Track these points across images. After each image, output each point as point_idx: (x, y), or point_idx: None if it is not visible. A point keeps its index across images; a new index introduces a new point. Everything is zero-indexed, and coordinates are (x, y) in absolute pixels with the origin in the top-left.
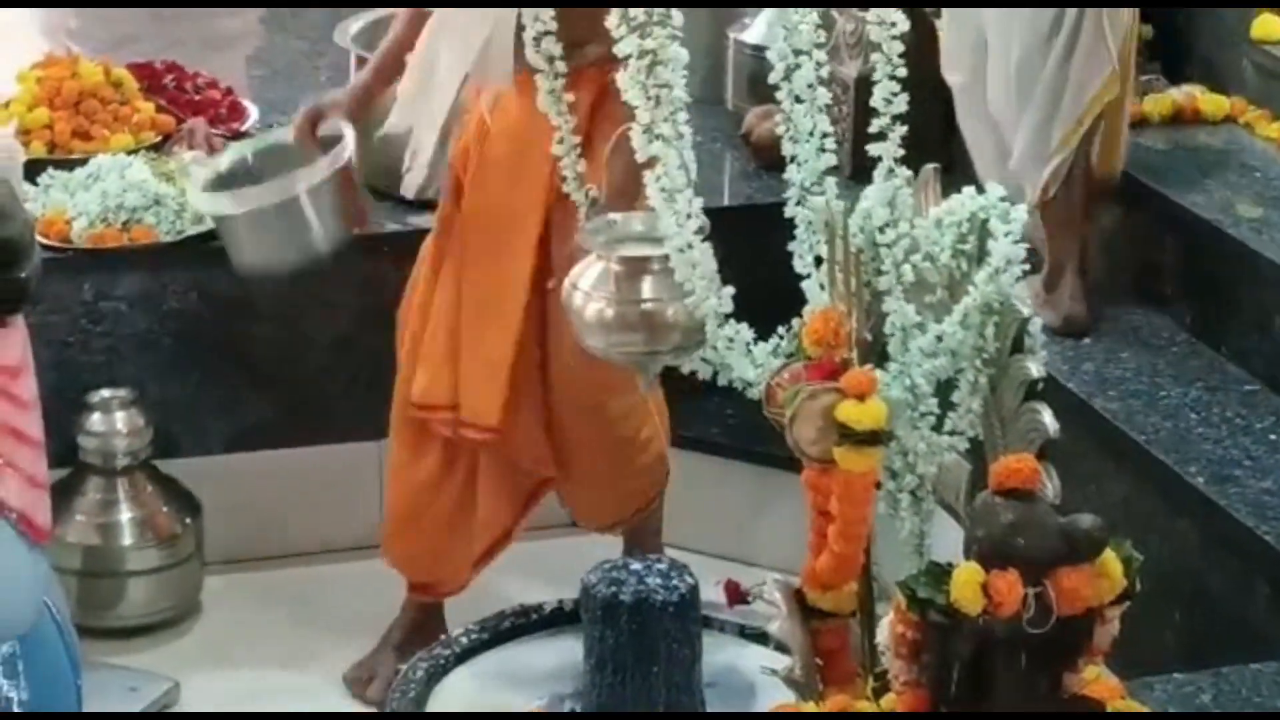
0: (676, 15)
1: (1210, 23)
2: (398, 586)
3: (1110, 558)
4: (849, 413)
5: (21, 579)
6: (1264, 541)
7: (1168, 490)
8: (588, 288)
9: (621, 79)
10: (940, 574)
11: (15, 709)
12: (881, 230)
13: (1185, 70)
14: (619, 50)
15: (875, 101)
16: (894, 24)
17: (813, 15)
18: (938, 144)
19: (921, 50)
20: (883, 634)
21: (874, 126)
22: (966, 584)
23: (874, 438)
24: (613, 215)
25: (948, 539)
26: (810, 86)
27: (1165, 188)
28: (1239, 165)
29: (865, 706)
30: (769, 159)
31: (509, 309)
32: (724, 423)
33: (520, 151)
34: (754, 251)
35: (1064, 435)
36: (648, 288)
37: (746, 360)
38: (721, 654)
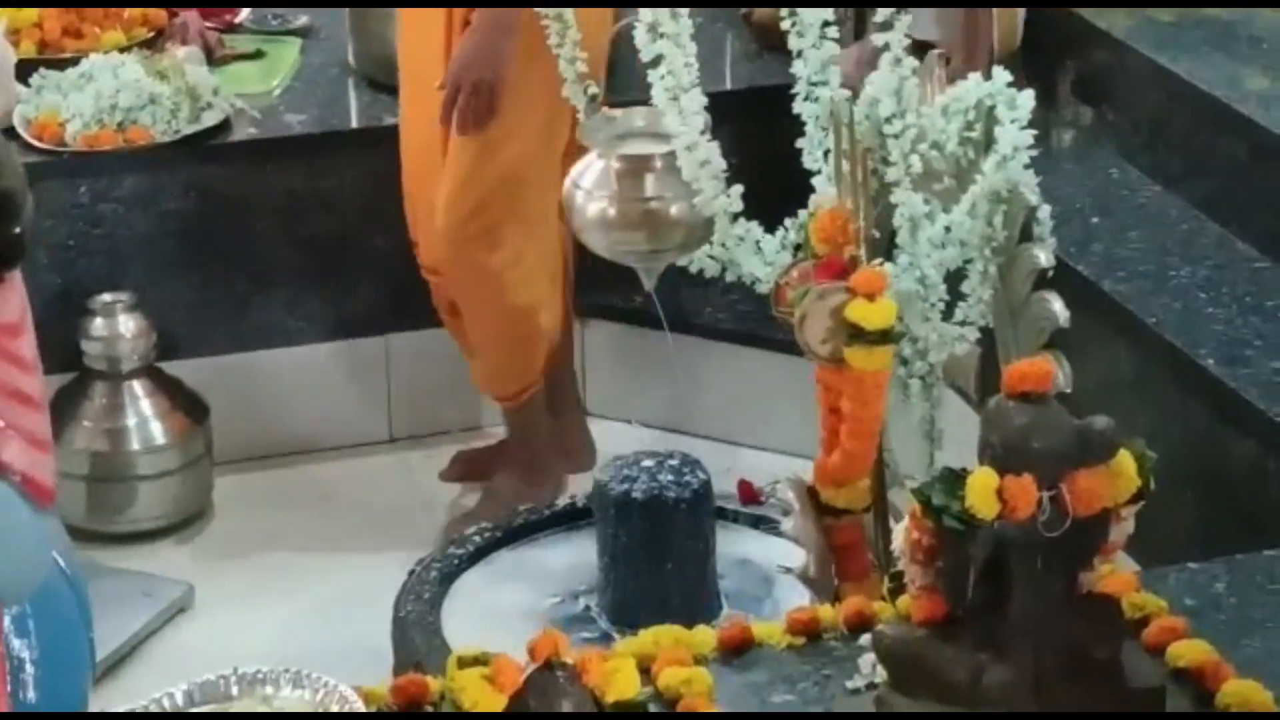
0: None
1: None
2: (409, 480)
3: (1124, 457)
4: (859, 312)
5: (26, 542)
6: (1275, 423)
7: (1179, 372)
8: (589, 186)
9: None
10: (954, 480)
11: (27, 668)
12: (889, 121)
13: None
14: None
15: None
16: None
17: None
18: None
19: None
20: (898, 540)
21: (879, 16)
22: (981, 490)
23: (884, 337)
24: (609, 111)
25: (957, 420)
26: None
27: (1171, 63)
28: (1247, 37)
29: (882, 608)
30: (771, 39)
31: (436, 156)
32: (732, 309)
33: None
34: (758, 135)
35: (1074, 318)
36: (650, 185)
37: (757, 259)
38: (735, 546)
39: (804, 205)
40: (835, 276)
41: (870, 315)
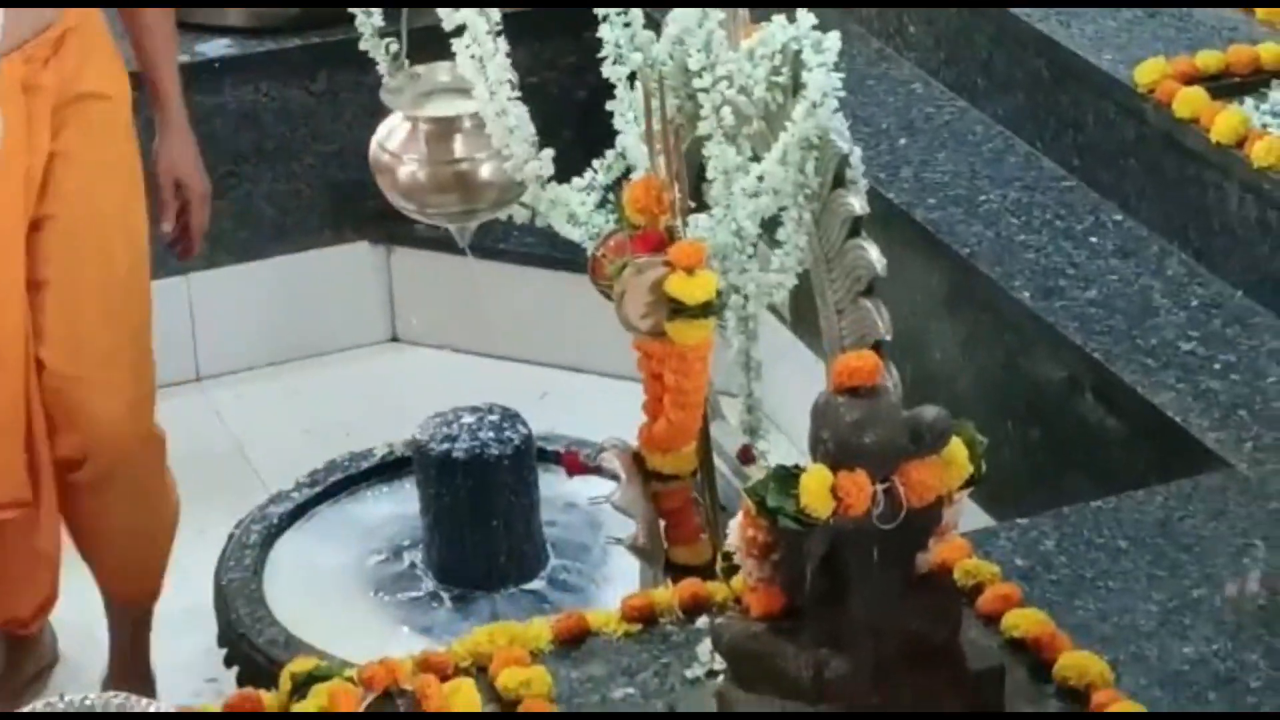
0: None
1: None
2: (218, 425)
3: (956, 445)
4: (679, 287)
5: None
6: (1091, 358)
7: (994, 304)
8: (396, 149)
9: None
10: (788, 479)
11: None
12: (698, 75)
13: None
14: None
15: None
16: None
17: None
18: None
19: None
20: (732, 535)
21: None
22: (815, 489)
23: (705, 310)
24: (415, 69)
25: (773, 338)
26: None
27: None
28: None
29: (716, 588)
30: None
31: (9, 363)
32: (539, 232)
33: None
34: (557, 53)
35: (888, 248)
36: (460, 147)
37: (569, 224)
38: (559, 489)
39: (607, 122)
40: (652, 249)
41: (691, 289)
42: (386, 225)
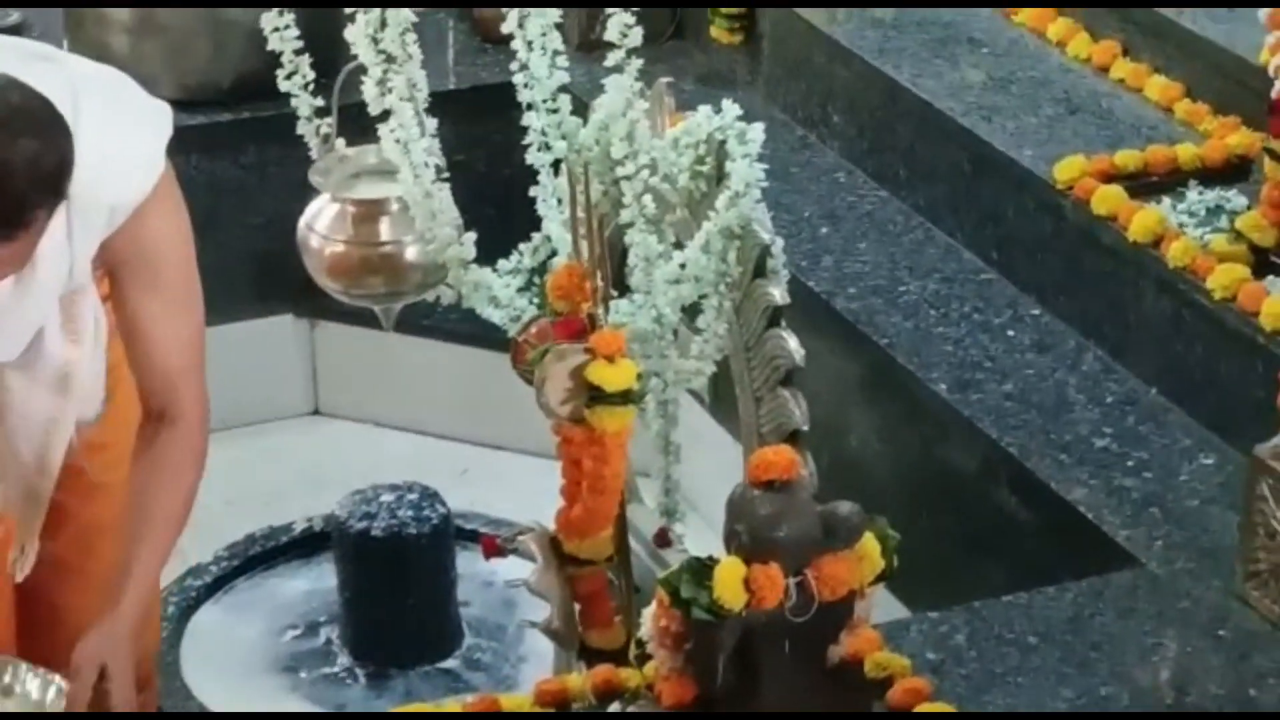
0: None
1: None
2: None
3: (869, 540)
4: (600, 374)
5: None
6: (1006, 451)
7: (911, 395)
8: (323, 230)
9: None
10: (702, 570)
11: None
12: (620, 163)
13: None
14: None
15: (610, 34)
16: None
17: None
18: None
19: None
20: (646, 625)
21: (610, 60)
22: (729, 581)
23: (625, 397)
24: (344, 150)
25: (693, 421)
26: (543, 34)
27: (895, 70)
28: (967, 40)
29: (630, 674)
30: (495, 33)
31: None
32: (462, 310)
33: None
34: (484, 131)
35: (807, 338)
36: (385, 229)
37: (491, 307)
38: (477, 567)
39: (532, 201)
40: (573, 336)
41: (611, 377)
42: (311, 299)
